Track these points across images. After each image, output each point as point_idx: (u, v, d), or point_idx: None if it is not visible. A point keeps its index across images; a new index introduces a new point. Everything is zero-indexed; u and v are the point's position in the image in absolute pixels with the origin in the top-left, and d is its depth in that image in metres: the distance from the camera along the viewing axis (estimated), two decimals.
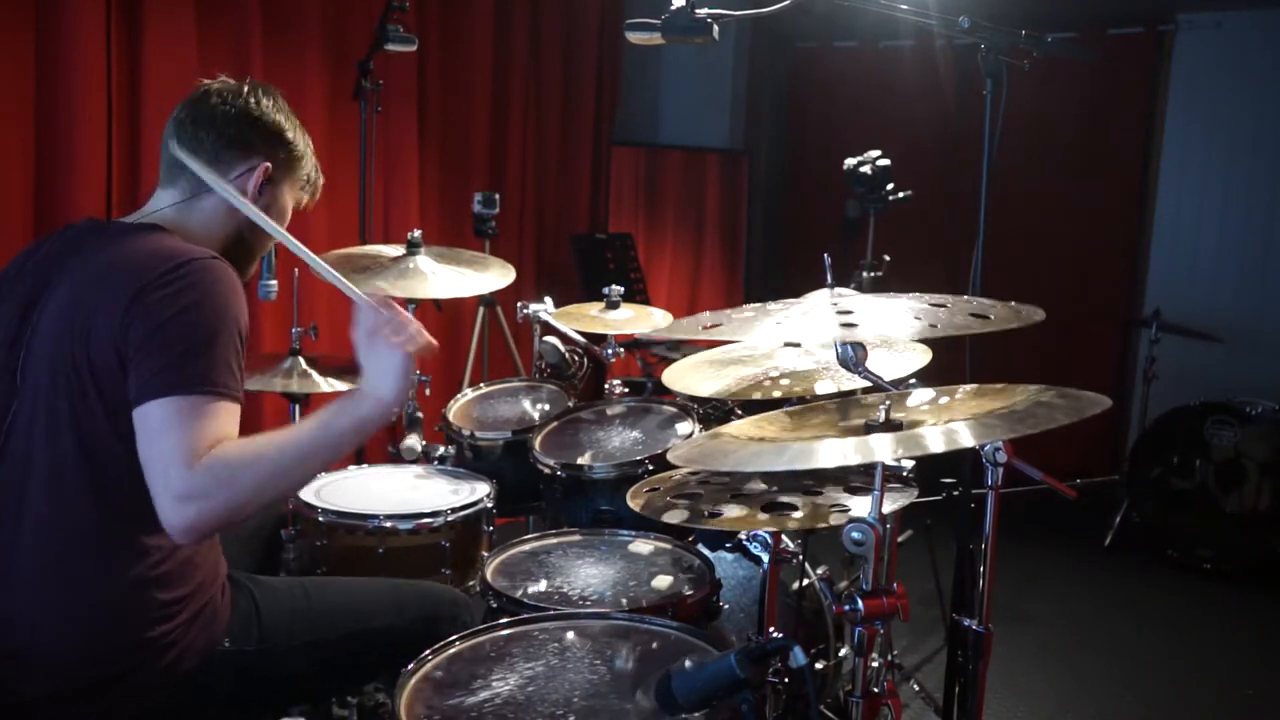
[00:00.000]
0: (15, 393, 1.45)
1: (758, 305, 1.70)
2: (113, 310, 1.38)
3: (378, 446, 3.11)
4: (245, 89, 1.64)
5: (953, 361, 2.07)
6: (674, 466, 2.10)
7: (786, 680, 1.97)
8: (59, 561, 1.43)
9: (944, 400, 1.53)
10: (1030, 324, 1.54)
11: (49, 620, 1.43)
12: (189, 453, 1.31)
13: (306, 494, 2.18)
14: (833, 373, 2.07)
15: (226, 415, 1.37)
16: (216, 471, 1.31)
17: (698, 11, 1.79)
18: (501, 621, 1.57)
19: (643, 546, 1.98)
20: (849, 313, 1.57)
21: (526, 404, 2.82)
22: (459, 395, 2.86)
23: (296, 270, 2.60)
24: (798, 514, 1.70)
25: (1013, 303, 1.62)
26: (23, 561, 1.44)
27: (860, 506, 1.70)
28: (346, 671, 1.81)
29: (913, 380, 1.96)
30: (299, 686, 1.73)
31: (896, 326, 1.54)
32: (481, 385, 2.94)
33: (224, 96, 1.62)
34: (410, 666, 1.41)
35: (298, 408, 2.52)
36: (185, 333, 1.37)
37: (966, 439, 1.28)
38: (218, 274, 1.44)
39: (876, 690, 1.50)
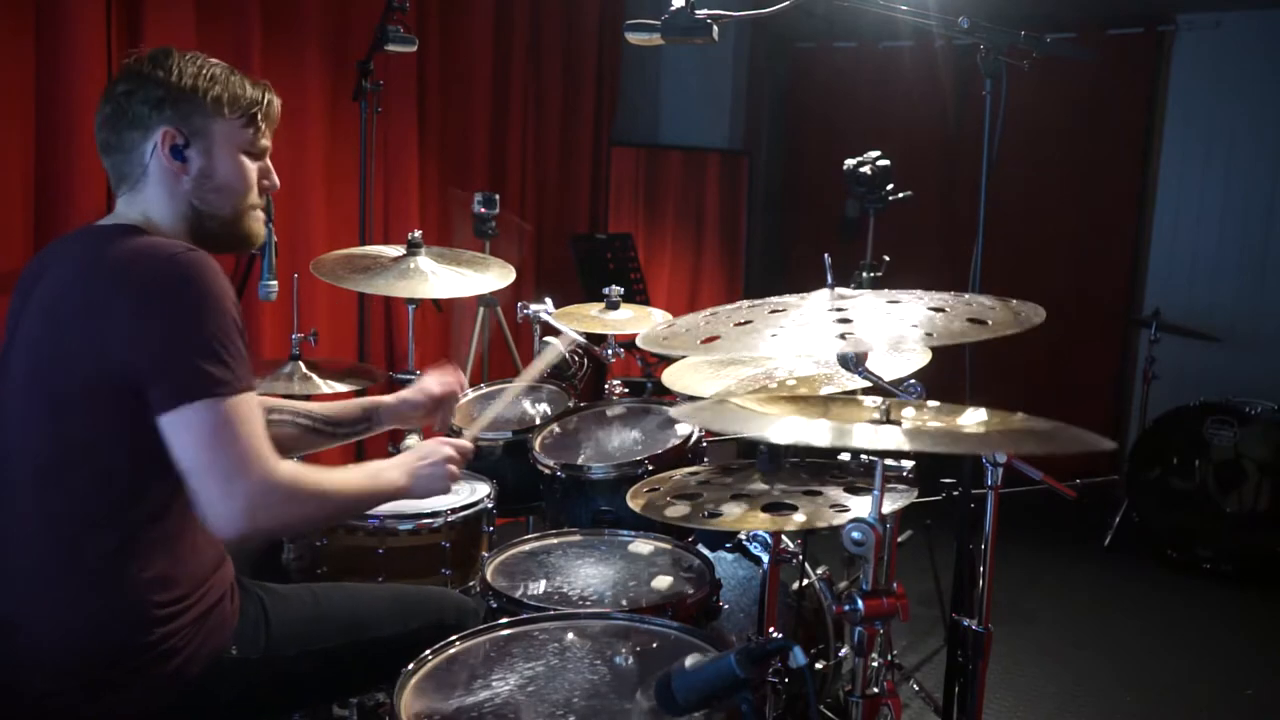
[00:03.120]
0: (4, 395, 1.47)
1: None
2: (108, 317, 1.38)
3: (378, 446, 3.10)
4: (127, 65, 1.57)
5: (952, 362, 2.07)
6: (674, 466, 2.11)
7: (786, 680, 1.97)
8: (49, 562, 1.42)
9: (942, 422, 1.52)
10: (1030, 327, 1.51)
11: (42, 625, 1.43)
12: (248, 458, 1.36)
13: None
14: (835, 375, 2.07)
15: (253, 408, 1.41)
16: (290, 492, 1.41)
17: (698, 12, 1.79)
18: (501, 621, 1.57)
19: (643, 547, 1.98)
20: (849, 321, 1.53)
21: (526, 404, 2.82)
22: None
23: (296, 274, 2.60)
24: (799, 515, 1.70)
25: (1013, 302, 1.60)
26: (13, 562, 1.44)
27: (860, 506, 1.70)
28: (353, 679, 1.80)
29: (912, 380, 1.96)
30: (305, 693, 1.73)
31: (895, 338, 1.50)
32: (482, 385, 2.94)
33: (110, 90, 1.57)
34: (410, 666, 1.41)
35: None
36: (195, 335, 1.36)
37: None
38: (201, 266, 1.41)
39: (876, 690, 1.50)
